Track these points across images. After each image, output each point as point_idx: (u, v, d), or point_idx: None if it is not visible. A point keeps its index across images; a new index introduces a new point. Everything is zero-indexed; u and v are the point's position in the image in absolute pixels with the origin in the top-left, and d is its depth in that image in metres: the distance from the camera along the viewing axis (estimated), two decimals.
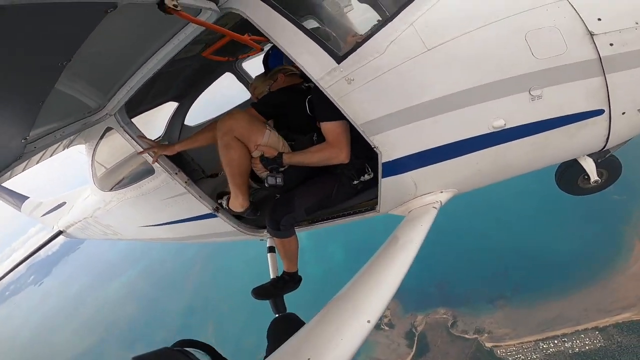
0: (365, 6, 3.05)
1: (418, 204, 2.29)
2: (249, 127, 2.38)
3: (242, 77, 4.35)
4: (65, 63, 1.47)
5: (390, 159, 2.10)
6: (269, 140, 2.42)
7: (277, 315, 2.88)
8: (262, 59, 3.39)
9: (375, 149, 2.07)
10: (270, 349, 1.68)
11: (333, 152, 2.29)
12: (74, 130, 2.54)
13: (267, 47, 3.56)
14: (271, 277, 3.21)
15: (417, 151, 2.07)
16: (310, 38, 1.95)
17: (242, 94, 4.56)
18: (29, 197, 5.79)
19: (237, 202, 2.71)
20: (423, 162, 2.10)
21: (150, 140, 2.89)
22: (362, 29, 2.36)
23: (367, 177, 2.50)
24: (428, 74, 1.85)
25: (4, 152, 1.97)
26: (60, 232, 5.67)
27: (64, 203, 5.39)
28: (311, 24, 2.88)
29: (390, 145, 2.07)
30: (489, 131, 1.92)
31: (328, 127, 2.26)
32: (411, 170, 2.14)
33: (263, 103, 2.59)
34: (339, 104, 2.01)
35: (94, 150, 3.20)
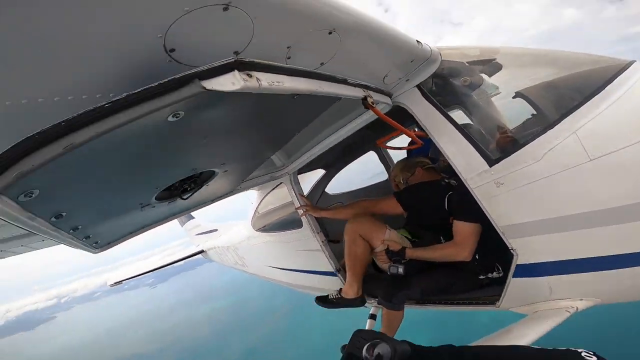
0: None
1: (548, 306, 2.07)
2: (371, 228, 2.75)
3: (384, 157, 4.75)
4: (295, 134, 2.04)
5: (527, 263, 2.03)
6: (389, 236, 2.71)
7: None
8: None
9: (512, 250, 2.03)
10: None
11: (457, 250, 2.40)
12: (263, 180, 3.31)
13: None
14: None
15: (561, 259, 1.93)
16: (466, 139, 2.04)
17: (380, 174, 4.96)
18: (194, 218, 7.30)
19: (352, 290, 2.93)
20: (566, 270, 1.94)
21: (308, 200, 3.46)
22: (510, 118, 2.35)
23: (495, 275, 2.44)
24: (588, 185, 1.74)
25: (223, 190, 2.73)
26: (202, 251, 6.82)
27: (216, 230, 6.61)
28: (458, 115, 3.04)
29: (530, 250, 2.00)
30: None
31: (461, 227, 2.37)
32: (550, 275, 2.00)
33: (404, 196, 2.79)
34: (484, 204, 2.04)
35: (263, 197, 4.00)
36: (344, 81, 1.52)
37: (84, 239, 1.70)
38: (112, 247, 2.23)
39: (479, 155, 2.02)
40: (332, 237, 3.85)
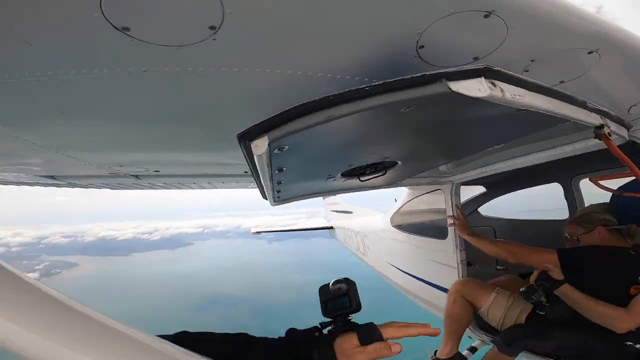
0: None
1: None
2: (475, 292, 2.66)
3: (572, 195, 3.72)
4: (487, 148, 1.94)
5: None
6: (493, 301, 2.54)
7: None
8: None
9: None
10: None
11: (622, 317, 2.04)
12: (426, 182, 3.31)
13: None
14: None
15: None
16: None
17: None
18: (337, 196, 7.93)
19: (446, 350, 2.74)
20: None
21: (463, 214, 3.27)
22: None
23: None
24: None
25: (390, 180, 2.84)
26: (331, 227, 7.36)
27: (351, 212, 7.03)
28: None
29: None
30: None
31: None
32: None
33: (571, 257, 2.31)
34: None
35: (413, 197, 4.00)
36: (582, 104, 1.37)
37: (277, 192, 2.08)
38: (286, 203, 2.68)
39: None
40: (469, 258, 3.56)
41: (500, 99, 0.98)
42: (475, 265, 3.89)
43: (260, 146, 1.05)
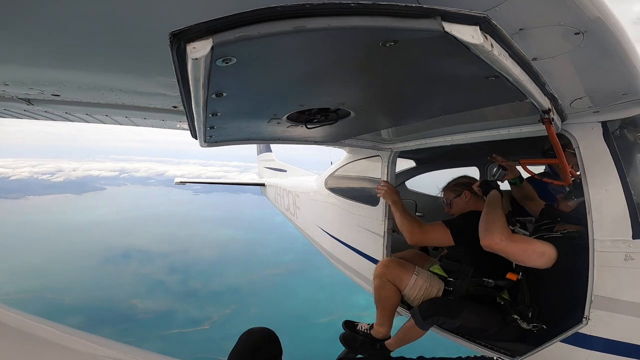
0: None
1: None
2: (398, 274, 2.71)
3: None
4: (441, 115, 1.89)
5: (588, 334, 1.97)
6: (414, 284, 2.64)
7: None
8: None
9: (584, 318, 1.97)
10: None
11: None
12: (366, 145, 3.21)
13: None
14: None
15: (621, 340, 1.91)
16: (627, 201, 1.86)
17: None
18: (271, 152, 7.61)
19: (383, 330, 2.85)
20: (614, 351, 1.92)
21: (392, 186, 3.22)
22: None
23: (538, 328, 2.23)
24: None
25: (334, 137, 2.69)
26: (263, 184, 7.12)
27: (285, 171, 6.82)
28: None
29: (603, 324, 1.94)
30: None
31: (539, 243, 2.13)
32: (596, 351, 1.96)
33: (459, 227, 2.59)
34: (595, 268, 1.94)
35: (351, 161, 3.94)
36: (542, 85, 1.42)
37: (209, 129, 1.77)
38: (218, 146, 2.35)
39: (629, 222, 1.86)
40: (395, 227, 3.69)
41: (487, 53, 0.95)
42: (398, 233, 4.13)
43: (199, 49, 0.80)
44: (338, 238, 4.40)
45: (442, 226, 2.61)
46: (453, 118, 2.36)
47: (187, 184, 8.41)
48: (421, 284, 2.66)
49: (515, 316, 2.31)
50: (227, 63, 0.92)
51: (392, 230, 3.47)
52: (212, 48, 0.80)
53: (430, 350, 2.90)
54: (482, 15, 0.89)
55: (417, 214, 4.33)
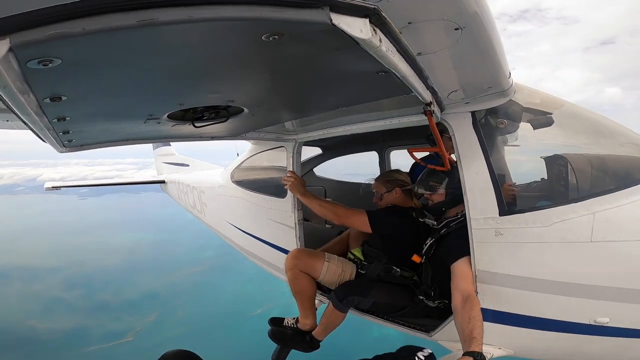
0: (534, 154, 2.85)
1: None
2: (309, 263, 2.77)
3: (384, 163, 4.49)
4: (338, 108, 1.89)
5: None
6: (327, 270, 2.72)
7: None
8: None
9: (476, 292, 2.14)
10: None
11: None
12: (269, 137, 3.08)
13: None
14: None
15: (508, 312, 2.14)
16: (492, 182, 2.07)
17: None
18: (170, 145, 6.83)
19: (309, 321, 2.92)
20: (504, 321, 2.16)
21: (298, 176, 3.16)
22: (521, 175, 2.51)
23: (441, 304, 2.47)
24: (576, 261, 1.94)
25: (232, 131, 2.50)
26: (163, 182, 6.42)
27: (187, 165, 6.23)
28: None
29: (489, 297, 2.14)
30: (587, 323, 1.98)
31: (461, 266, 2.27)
32: (489, 322, 2.11)
33: (377, 218, 2.71)
34: (474, 244, 2.13)
35: (255, 153, 3.76)
36: (425, 80, 1.50)
37: (61, 133, 1.50)
38: (82, 150, 1.98)
39: (495, 201, 2.07)
40: (305, 215, 3.74)
41: (375, 49, 0.93)
42: (311, 221, 4.18)
43: None
44: (250, 233, 4.23)
45: (363, 213, 2.70)
46: (350, 109, 2.33)
47: (61, 188, 6.88)
48: (334, 269, 2.73)
49: (421, 297, 2.51)
50: (46, 65, 0.73)
51: (305, 219, 3.49)
52: (11, 49, 0.63)
53: None
54: (373, 6, 0.86)
55: (326, 199, 4.42)
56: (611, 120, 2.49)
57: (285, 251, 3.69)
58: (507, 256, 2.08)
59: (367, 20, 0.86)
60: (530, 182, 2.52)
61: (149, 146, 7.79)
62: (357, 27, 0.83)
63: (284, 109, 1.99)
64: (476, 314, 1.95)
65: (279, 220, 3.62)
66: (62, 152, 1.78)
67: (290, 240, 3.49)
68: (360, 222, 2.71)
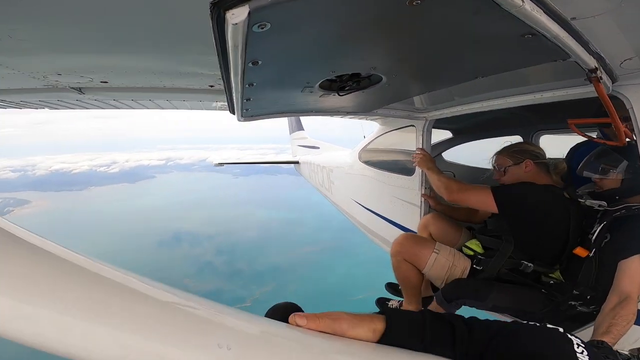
0: None
1: None
2: (415, 253, 2.44)
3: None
4: (477, 77, 1.80)
5: None
6: (434, 263, 2.37)
7: None
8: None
9: None
10: None
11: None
12: (400, 115, 3.15)
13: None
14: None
15: None
16: None
17: None
18: (304, 130, 7.67)
19: (410, 308, 2.72)
20: None
21: (428, 153, 3.11)
22: None
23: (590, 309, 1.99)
24: None
25: (365, 106, 2.67)
26: (297, 162, 7.24)
27: (318, 148, 6.88)
28: None
29: None
30: None
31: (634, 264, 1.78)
32: None
33: (507, 194, 2.25)
34: None
35: (384, 132, 3.89)
36: (585, 43, 1.33)
37: (245, 101, 1.81)
38: (254, 120, 2.43)
39: None
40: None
41: (518, 9, 0.90)
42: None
43: (237, 15, 0.82)
44: (374, 210, 4.41)
45: (487, 190, 2.26)
46: (490, 82, 2.18)
47: (225, 165, 8.75)
48: (442, 263, 2.37)
49: (573, 302, 2.02)
50: (262, 29, 0.94)
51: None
52: (249, 13, 0.82)
53: None
54: None
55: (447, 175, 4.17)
56: None
57: (407, 230, 3.73)
58: None
59: None
60: None
61: (284, 133, 8.93)
62: None
63: (420, 78, 2.01)
64: (626, 314, 1.59)
65: (405, 198, 3.67)
66: (240, 120, 2.25)
67: (414, 219, 3.49)
68: (482, 199, 2.25)
